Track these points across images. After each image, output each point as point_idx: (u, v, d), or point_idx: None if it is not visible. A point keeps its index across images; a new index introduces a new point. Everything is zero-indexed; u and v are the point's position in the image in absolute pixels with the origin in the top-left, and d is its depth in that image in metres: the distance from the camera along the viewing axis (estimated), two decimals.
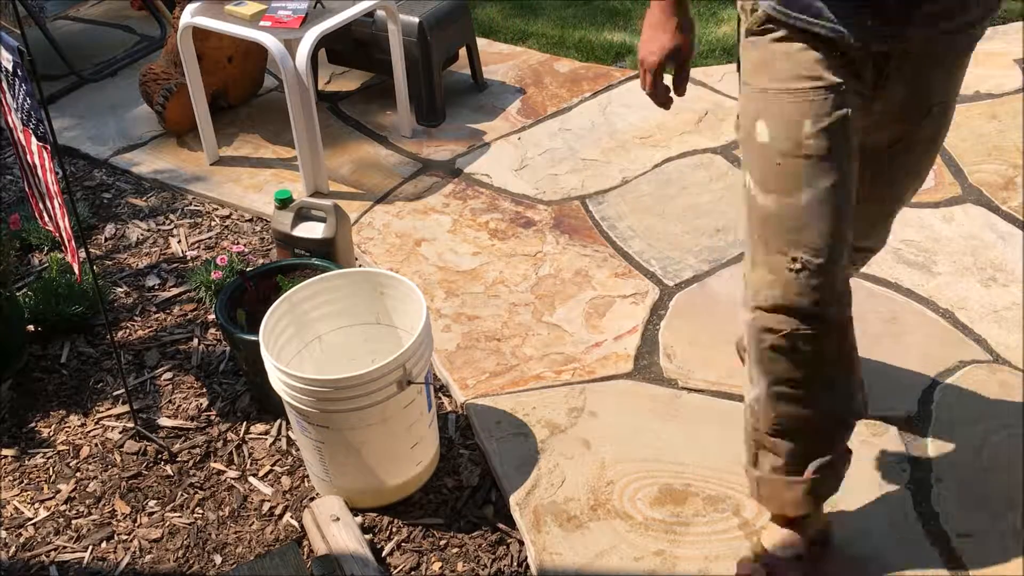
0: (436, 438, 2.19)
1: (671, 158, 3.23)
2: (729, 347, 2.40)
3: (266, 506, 2.15)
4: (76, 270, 2.10)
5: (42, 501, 2.19)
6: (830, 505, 2.03)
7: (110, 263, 2.92)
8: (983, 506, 2.02)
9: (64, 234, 2.03)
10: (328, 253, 2.59)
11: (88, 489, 2.21)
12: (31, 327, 2.63)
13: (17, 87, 1.86)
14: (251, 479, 2.21)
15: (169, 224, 3.09)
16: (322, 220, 2.62)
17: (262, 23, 3.02)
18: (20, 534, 2.12)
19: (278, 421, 2.34)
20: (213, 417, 2.38)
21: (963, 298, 2.57)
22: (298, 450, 2.24)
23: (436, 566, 1.99)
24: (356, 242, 2.88)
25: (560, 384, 2.39)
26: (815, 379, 1.65)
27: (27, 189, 2.14)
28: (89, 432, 2.35)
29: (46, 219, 2.12)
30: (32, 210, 2.17)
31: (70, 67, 3.89)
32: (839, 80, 1.51)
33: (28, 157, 2.00)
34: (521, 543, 2.03)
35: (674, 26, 1.59)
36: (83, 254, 2.36)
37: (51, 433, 2.36)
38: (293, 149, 3.15)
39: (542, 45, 4.01)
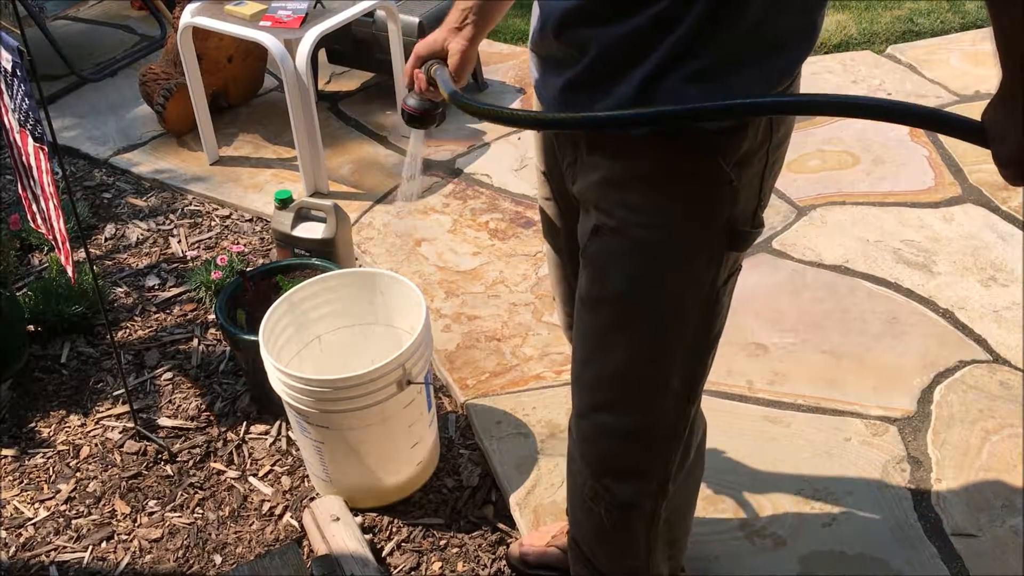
0: (436, 438, 2.19)
1: None
2: (728, 347, 2.40)
3: (266, 506, 2.15)
4: (70, 272, 2.08)
5: (42, 501, 2.19)
6: (829, 507, 2.03)
7: (110, 263, 2.92)
8: (983, 506, 2.02)
9: (59, 236, 2.02)
10: (328, 253, 2.59)
11: (88, 489, 2.21)
12: (31, 327, 2.63)
13: (16, 87, 1.86)
14: (251, 479, 2.21)
15: (169, 224, 3.09)
16: (322, 220, 2.62)
17: (262, 23, 3.02)
18: (20, 534, 2.11)
19: (278, 421, 2.34)
20: (213, 417, 2.37)
21: (963, 298, 2.57)
22: (298, 450, 2.24)
23: (436, 566, 1.99)
24: (356, 242, 2.88)
25: (560, 384, 2.38)
26: None
27: (21, 191, 2.13)
28: (89, 432, 2.35)
29: (39, 221, 2.11)
30: (25, 211, 2.17)
31: (70, 67, 3.89)
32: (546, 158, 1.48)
33: (24, 159, 2.00)
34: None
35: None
36: (81, 255, 2.36)
37: (51, 433, 2.35)
38: (293, 149, 3.15)
39: None
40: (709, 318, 1.34)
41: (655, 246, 1.25)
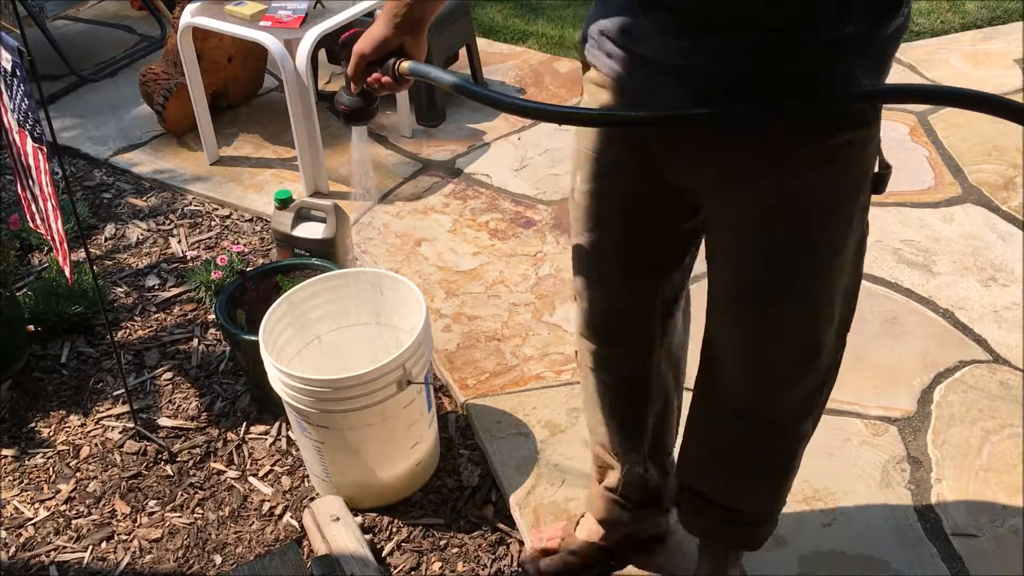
0: (436, 438, 2.19)
1: None
2: None
3: (266, 506, 2.15)
4: (67, 273, 2.08)
5: (42, 501, 2.19)
6: (829, 507, 2.03)
7: (110, 263, 2.92)
8: (983, 506, 2.02)
9: (57, 236, 2.01)
10: (328, 253, 2.59)
11: (88, 489, 2.21)
12: (31, 327, 2.63)
13: (15, 87, 1.86)
14: (251, 479, 2.21)
15: (169, 224, 3.09)
16: (322, 220, 2.62)
17: (262, 23, 3.02)
18: (20, 534, 2.12)
19: (278, 421, 2.34)
20: (213, 417, 2.38)
21: (963, 298, 2.57)
22: (298, 450, 2.24)
23: (436, 566, 1.99)
24: (356, 242, 2.88)
25: (560, 384, 2.38)
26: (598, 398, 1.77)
27: (20, 191, 2.13)
28: (89, 432, 2.35)
29: (38, 221, 2.11)
30: (24, 212, 2.16)
31: (70, 67, 3.89)
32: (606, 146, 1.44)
33: (23, 159, 2.00)
34: (521, 543, 2.03)
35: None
36: (81, 255, 2.37)
37: (51, 433, 2.35)
38: (293, 149, 3.15)
39: (542, 45, 4.01)
40: (861, 262, 1.43)
41: (835, 217, 1.32)
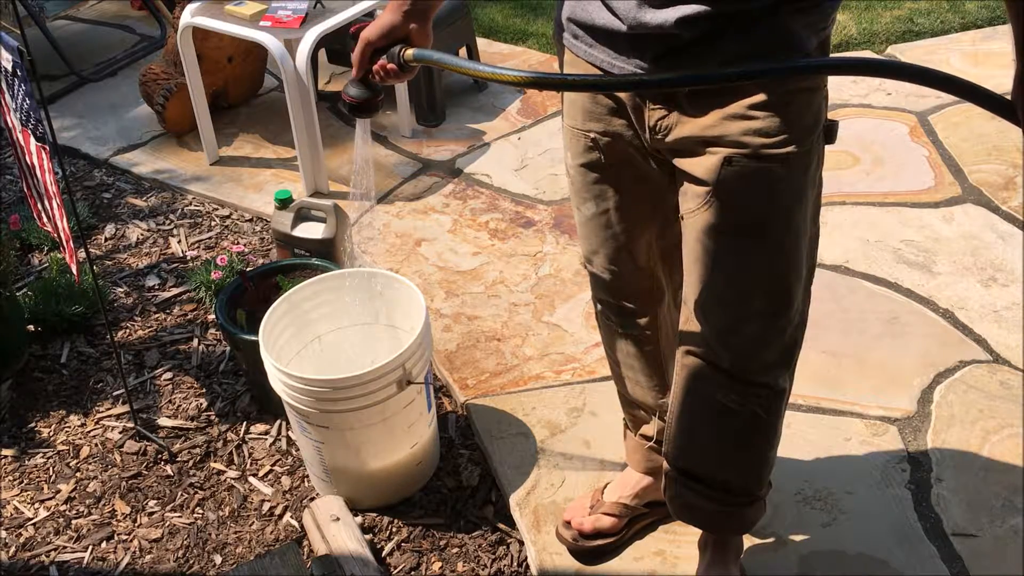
0: (436, 438, 2.19)
1: None
2: None
3: (266, 506, 2.15)
4: (74, 271, 2.10)
5: (42, 501, 2.19)
6: (829, 507, 2.03)
7: (110, 263, 2.92)
8: (983, 506, 2.02)
9: (63, 235, 2.02)
10: (328, 253, 2.59)
11: (88, 489, 2.21)
12: (31, 327, 2.63)
13: (16, 87, 1.86)
14: (251, 479, 2.21)
15: (169, 224, 3.09)
16: (322, 220, 2.62)
17: (262, 23, 3.02)
18: (20, 534, 2.12)
19: (278, 421, 2.34)
20: (213, 417, 2.38)
21: (963, 298, 2.57)
22: (298, 450, 2.24)
23: (436, 566, 1.99)
24: (356, 242, 2.88)
25: (560, 384, 2.39)
26: (614, 362, 1.87)
27: (26, 190, 2.14)
28: (89, 432, 2.35)
29: (44, 220, 2.12)
30: (31, 210, 2.17)
31: (70, 67, 3.89)
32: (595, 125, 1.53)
33: (27, 158, 2.00)
34: (521, 543, 2.03)
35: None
36: (82, 254, 2.37)
37: (51, 433, 2.35)
38: (293, 149, 3.15)
39: (542, 45, 4.01)
40: (817, 209, 1.51)
41: (789, 161, 1.37)
